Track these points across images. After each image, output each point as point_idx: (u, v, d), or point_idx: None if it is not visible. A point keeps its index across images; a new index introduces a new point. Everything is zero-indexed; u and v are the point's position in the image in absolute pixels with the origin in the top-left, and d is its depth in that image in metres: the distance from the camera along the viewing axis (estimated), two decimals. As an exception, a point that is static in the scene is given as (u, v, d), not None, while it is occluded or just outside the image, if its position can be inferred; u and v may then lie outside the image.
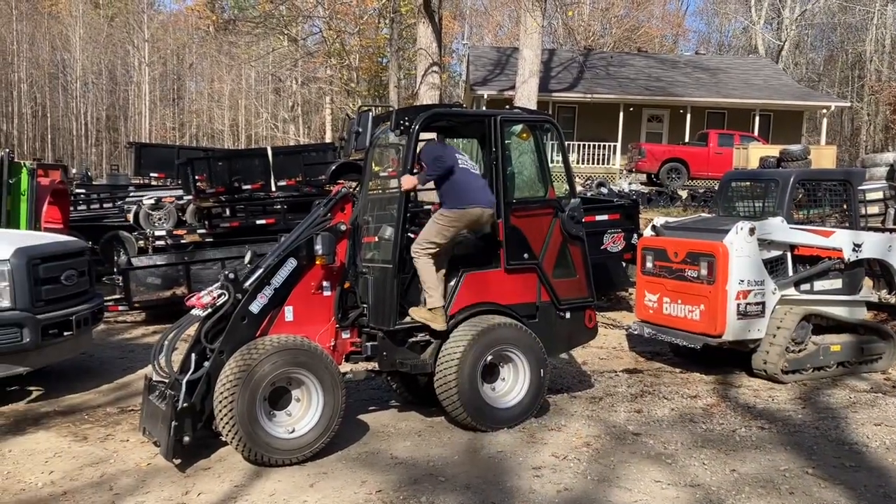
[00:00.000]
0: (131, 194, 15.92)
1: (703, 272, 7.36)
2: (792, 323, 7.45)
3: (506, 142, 6.13)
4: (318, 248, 5.55)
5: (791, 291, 7.73)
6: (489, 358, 5.83)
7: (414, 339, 5.86)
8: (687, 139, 25.51)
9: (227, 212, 13.05)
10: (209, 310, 5.36)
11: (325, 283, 5.77)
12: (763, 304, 7.41)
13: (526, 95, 17.41)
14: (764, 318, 7.44)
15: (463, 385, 5.64)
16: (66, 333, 6.70)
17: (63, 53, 52.61)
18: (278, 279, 5.56)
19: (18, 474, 5.03)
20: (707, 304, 7.35)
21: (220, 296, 5.36)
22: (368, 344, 5.87)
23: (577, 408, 6.60)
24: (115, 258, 12.23)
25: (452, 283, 5.91)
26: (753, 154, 17.59)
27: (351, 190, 6.13)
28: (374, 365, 6.07)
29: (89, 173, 29.17)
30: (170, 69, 56.79)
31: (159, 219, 13.82)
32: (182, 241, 12.62)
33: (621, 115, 26.54)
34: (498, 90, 25.82)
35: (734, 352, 7.79)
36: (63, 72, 52.70)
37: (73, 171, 30.11)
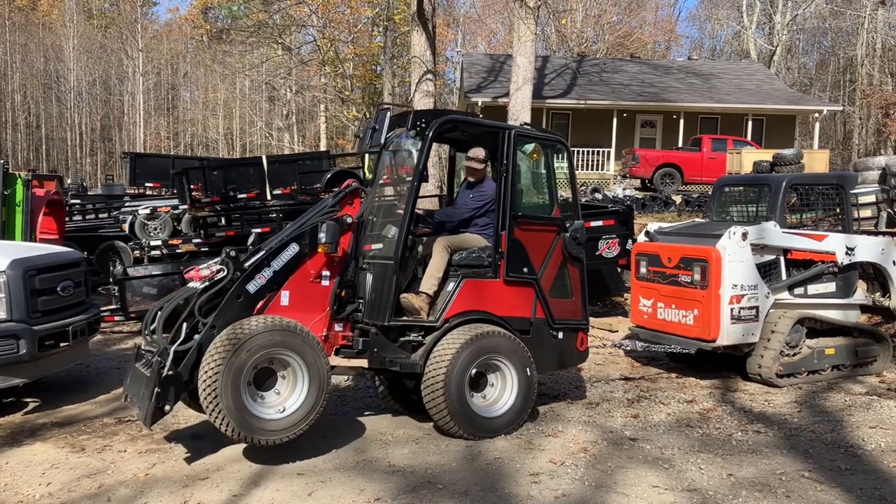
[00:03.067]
0: (126, 204, 15.94)
1: (697, 277, 7.41)
2: (786, 327, 7.49)
3: (517, 156, 6.20)
4: (322, 236, 5.60)
5: (785, 295, 7.77)
6: (474, 371, 5.81)
7: (406, 338, 5.87)
8: (680, 144, 25.59)
9: (223, 221, 13.07)
10: (206, 283, 5.37)
11: (324, 273, 5.80)
12: (757, 308, 7.45)
13: (520, 102, 17.46)
14: (758, 322, 7.48)
15: (450, 390, 5.62)
16: (62, 344, 6.69)
17: (57, 64, 52.62)
18: (279, 262, 5.58)
19: (16, 486, 5.02)
20: (701, 308, 7.38)
21: (218, 271, 5.38)
22: (360, 339, 5.87)
23: (574, 413, 6.62)
24: (111, 268, 12.22)
25: (451, 287, 5.94)
26: (747, 159, 17.67)
27: (360, 186, 6.19)
28: (363, 367, 6.08)
29: (84, 184, 29.14)
30: (164, 79, 56.85)
31: (155, 229, 13.82)
32: (178, 251, 12.62)
33: (615, 120, 26.64)
34: (492, 97, 25.90)
35: (729, 356, 7.82)
36: (57, 82, 52.69)
37: (68, 181, 30.17)
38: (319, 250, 5.66)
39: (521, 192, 6.38)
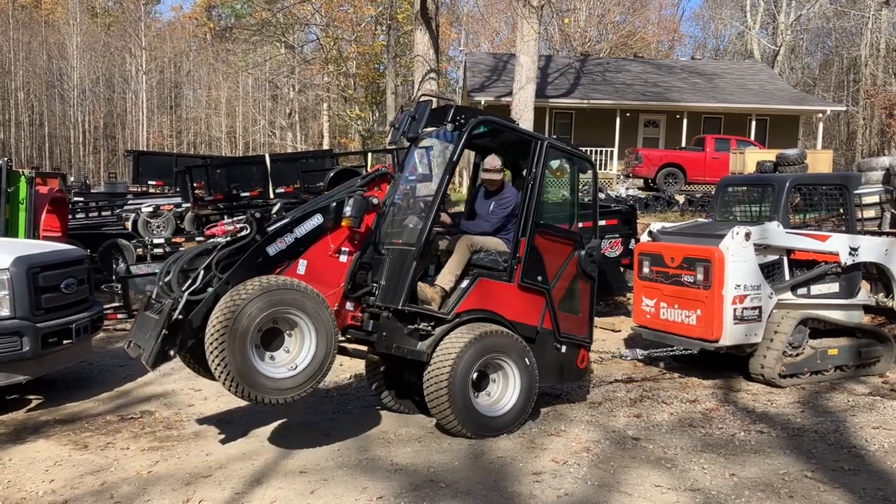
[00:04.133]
0: (129, 202, 15.98)
1: (700, 277, 7.40)
2: (789, 327, 7.48)
3: (545, 166, 6.26)
4: (348, 209, 5.67)
5: (788, 296, 7.76)
6: (475, 375, 5.81)
7: (416, 326, 5.86)
8: (683, 144, 25.56)
9: (226, 219, 13.08)
10: (228, 238, 5.39)
11: (344, 248, 5.84)
12: (759, 308, 7.44)
13: (523, 101, 17.47)
14: (761, 322, 7.47)
15: (454, 384, 5.61)
16: (65, 342, 6.70)
17: (60, 62, 52.67)
18: (301, 230, 5.62)
19: (19, 483, 5.03)
20: (704, 309, 7.37)
21: (242, 228, 5.42)
22: (371, 321, 5.89)
23: (577, 413, 6.62)
24: (114, 266, 12.25)
25: (465, 284, 5.96)
26: (750, 159, 17.63)
27: (389, 172, 6.25)
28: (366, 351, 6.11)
29: (87, 181, 29.19)
30: (167, 77, 56.89)
31: (158, 226, 13.86)
32: (180, 249, 12.63)
33: (618, 120, 26.61)
34: (495, 96, 25.90)
35: (732, 356, 7.81)
36: (60, 80, 52.74)
37: (71, 179, 30.20)
38: (343, 224, 5.72)
39: (544, 202, 6.44)
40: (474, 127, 5.92)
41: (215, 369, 4.89)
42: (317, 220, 5.68)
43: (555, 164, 6.59)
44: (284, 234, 5.53)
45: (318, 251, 5.71)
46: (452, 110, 5.96)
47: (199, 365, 5.55)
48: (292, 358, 5.21)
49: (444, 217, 6.62)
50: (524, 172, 6.35)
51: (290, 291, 5.15)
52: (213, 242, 5.49)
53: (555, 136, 7.21)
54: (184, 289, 5.17)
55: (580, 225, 6.80)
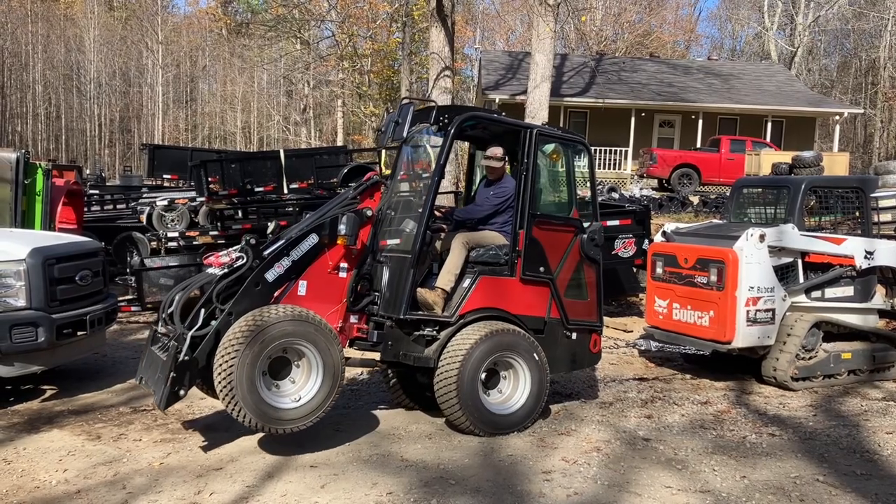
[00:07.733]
0: (144, 195, 16.03)
1: (713, 278, 7.36)
2: (802, 330, 7.43)
3: (538, 155, 6.21)
4: (342, 228, 5.64)
5: (802, 298, 7.71)
6: (483, 375, 5.80)
7: (421, 332, 5.87)
8: (699, 145, 25.46)
9: (240, 214, 13.14)
10: (225, 270, 5.40)
11: (342, 265, 5.84)
12: (773, 310, 7.40)
13: (538, 100, 17.41)
14: (774, 324, 7.43)
15: (463, 386, 5.62)
16: (80, 333, 6.76)
17: (77, 55, 52.97)
18: (298, 252, 5.62)
19: (33, 472, 5.08)
20: (716, 310, 7.34)
21: (238, 258, 5.43)
22: (375, 331, 5.91)
23: (588, 413, 6.61)
24: (128, 259, 12.32)
25: (467, 283, 5.95)
26: (765, 160, 17.56)
27: (382, 179, 6.22)
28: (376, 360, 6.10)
29: (103, 174, 29.33)
30: (183, 71, 57.09)
31: (172, 220, 13.91)
32: (194, 243, 12.71)
33: (633, 120, 26.52)
34: (510, 95, 25.86)
35: (744, 358, 7.77)
36: (77, 73, 53.05)
37: (87, 171, 30.35)
38: (339, 242, 5.70)
39: (540, 191, 6.38)
40: (460, 124, 5.88)
41: (221, 392, 4.93)
42: (312, 240, 5.68)
43: (548, 149, 6.51)
44: (281, 258, 5.54)
45: (317, 270, 5.72)
46: (435, 111, 5.94)
47: (207, 387, 5.58)
48: (297, 389, 5.25)
49: (437, 213, 6.62)
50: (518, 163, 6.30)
51: (305, 324, 5.18)
52: (210, 274, 5.49)
53: (543, 123, 7.10)
54: (186, 325, 5.21)
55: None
